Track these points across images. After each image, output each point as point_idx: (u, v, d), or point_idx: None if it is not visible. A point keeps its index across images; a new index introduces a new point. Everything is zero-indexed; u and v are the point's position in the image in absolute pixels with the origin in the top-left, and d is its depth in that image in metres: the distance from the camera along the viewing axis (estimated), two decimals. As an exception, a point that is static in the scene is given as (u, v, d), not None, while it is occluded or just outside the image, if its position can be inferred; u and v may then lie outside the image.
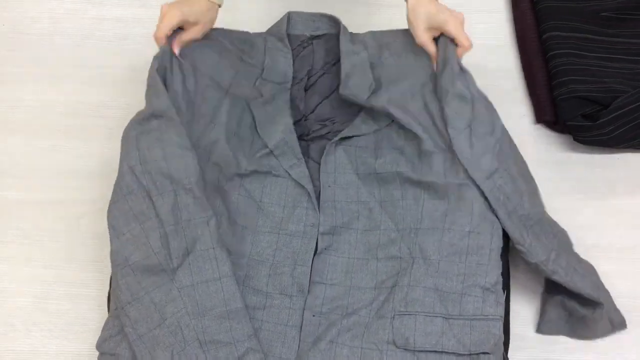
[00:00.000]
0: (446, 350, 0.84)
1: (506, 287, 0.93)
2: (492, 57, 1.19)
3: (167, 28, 0.92)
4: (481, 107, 0.95)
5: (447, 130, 0.93)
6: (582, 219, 1.05)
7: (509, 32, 1.22)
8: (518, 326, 0.97)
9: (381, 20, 1.24)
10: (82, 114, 1.14)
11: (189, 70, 0.96)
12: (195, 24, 0.95)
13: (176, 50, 0.95)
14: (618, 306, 0.97)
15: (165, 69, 0.93)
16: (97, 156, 1.10)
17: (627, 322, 0.97)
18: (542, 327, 0.97)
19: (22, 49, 1.20)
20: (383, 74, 1.00)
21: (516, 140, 1.07)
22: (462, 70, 0.96)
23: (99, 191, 1.07)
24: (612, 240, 1.04)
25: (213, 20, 0.98)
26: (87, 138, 1.12)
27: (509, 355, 0.94)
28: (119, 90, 1.15)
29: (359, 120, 0.99)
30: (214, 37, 1.00)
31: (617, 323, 0.96)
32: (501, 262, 0.90)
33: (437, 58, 0.97)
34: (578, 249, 0.97)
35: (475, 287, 0.87)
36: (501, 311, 0.87)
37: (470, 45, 0.95)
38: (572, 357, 0.96)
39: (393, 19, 1.20)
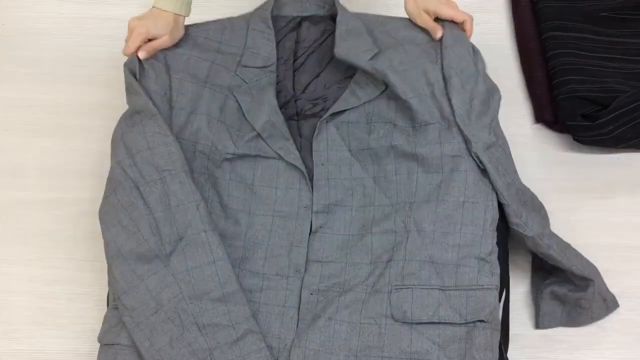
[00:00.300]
0: (443, 321, 0.85)
1: (506, 288, 0.93)
2: (492, 57, 1.19)
3: (134, 46, 0.95)
4: (483, 85, 0.95)
5: (448, 101, 0.93)
6: (582, 219, 1.05)
7: (509, 32, 1.22)
8: (518, 326, 0.97)
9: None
10: (82, 114, 1.14)
11: (160, 69, 0.97)
12: (163, 36, 0.97)
13: (141, 55, 0.96)
14: (619, 306, 0.97)
15: (136, 73, 0.95)
16: (96, 156, 1.10)
17: (627, 323, 0.97)
18: (540, 321, 0.97)
19: (22, 49, 1.20)
20: (380, 40, 0.99)
21: (516, 140, 1.07)
22: (473, 48, 0.98)
23: (99, 191, 1.06)
24: (612, 240, 1.04)
25: (181, 30, 0.99)
26: (87, 138, 1.12)
27: (509, 355, 0.94)
28: (119, 90, 1.15)
29: (347, 93, 0.98)
30: (188, 33, 1.00)
31: (609, 301, 0.96)
32: (496, 233, 0.91)
33: (442, 35, 0.97)
34: (578, 248, 0.97)
35: (470, 257, 0.88)
36: (496, 281, 0.89)
37: (470, 17, 0.98)
38: (572, 357, 0.96)
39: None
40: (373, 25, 1.01)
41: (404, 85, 0.94)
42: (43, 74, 1.17)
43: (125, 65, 0.95)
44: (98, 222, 1.03)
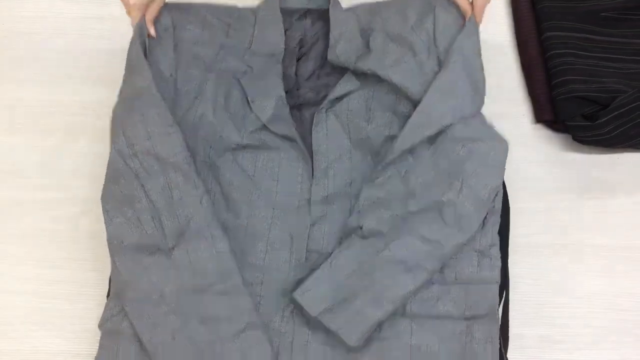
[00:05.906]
0: (441, 315, 0.86)
1: (505, 288, 0.93)
2: (492, 56, 1.18)
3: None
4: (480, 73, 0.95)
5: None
6: (581, 219, 1.05)
7: (509, 32, 1.22)
8: (518, 326, 0.97)
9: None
10: (82, 114, 1.14)
11: (168, 48, 0.95)
12: None
13: (152, 31, 0.93)
14: (618, 306, 0.97)
15: (145, 49, 0.93)
16: (97, 156, 1.10)
17: (627, 323, 0.97)
18: None
19: (22, 49, 1.20)
20: (372, 37, 0.98)
21: (516, 140, 1.07)
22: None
23: (99, 191, 1.06)
24: (612, 240, 1.04)
25: None
26: (87, 138, 1.12)
27: (509, 355, 0.94)
28: (119, 90, 1.15)
29: (344, 80, 0.97)
30: (198, 11, 0.99)
31: None
32: (497, 227, 0.90)
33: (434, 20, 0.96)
34: (578, 248, 0.97)
35: (470, 251, 0.88)
36: (497, 275, 0.88)
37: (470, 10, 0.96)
38: (571, 357, 0.96)
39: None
40: (370, 16, 1.00)
41: (397, 77, 0.94)
42: (43, 74, 1.17)
43: (133, 41, 0.92)
44: (98, 222, 1.03)
